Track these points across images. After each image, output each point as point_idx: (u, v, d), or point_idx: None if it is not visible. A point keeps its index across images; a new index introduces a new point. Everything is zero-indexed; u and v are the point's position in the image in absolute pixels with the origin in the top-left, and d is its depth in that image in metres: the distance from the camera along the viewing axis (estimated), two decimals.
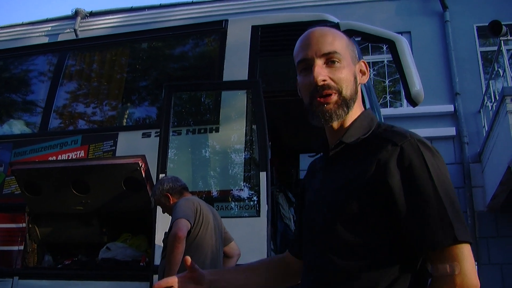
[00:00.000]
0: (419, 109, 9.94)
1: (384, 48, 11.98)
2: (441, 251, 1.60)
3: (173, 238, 4.28)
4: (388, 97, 12.14)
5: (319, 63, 1.80)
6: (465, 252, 1.60)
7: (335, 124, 1.84)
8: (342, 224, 1.74)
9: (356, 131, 1.81)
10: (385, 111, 10.99)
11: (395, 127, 1.80)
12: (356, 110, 1.85)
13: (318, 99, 1.79)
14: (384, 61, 12.32)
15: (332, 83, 1.78)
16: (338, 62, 1.80)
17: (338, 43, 1.83)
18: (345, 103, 1.79)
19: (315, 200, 1.89)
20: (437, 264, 1.61)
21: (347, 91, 1.80)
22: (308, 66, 1.83)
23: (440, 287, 1.59)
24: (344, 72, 1.80)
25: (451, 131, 11.18)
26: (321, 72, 1.78)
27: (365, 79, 1.92)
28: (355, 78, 1.85)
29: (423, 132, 10.78)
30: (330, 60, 1.80)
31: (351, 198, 1.72)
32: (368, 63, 11.71)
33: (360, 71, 1.91)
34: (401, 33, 10.61)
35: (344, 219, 1.74)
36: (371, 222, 1.69)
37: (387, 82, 12.26)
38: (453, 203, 1.63)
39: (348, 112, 1.81)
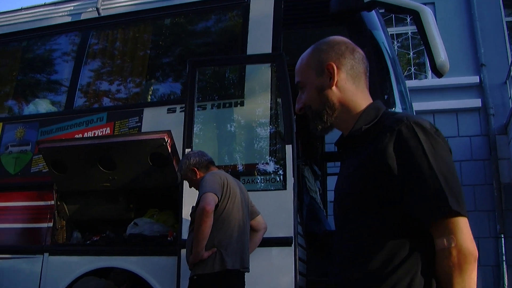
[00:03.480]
0: (444, 81, 9.87)
1: (408, 20, 11.84)
2: (438, 226, 1.74)
3: (200, 212, 4.30)
4: (412, 69, 12.02)
5: (299, 92, 2.16)
6: (460, 224, 1.73)
7: (339, 126, 2.10)
8: (353, 208, 1.94)
9: (361, 123, 2.00)
10: (410, 84, 10.85)
11: (397, 113, 2.00)
12: (358, 105, 2.05)
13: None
14: (408, 32, 12.16)
15: (305, 105, 2.12)
16: (302, 87, 2.13)
17: (300, 71, 2.14)
18: (317, 114, 2.08)
19: (335, 189, 2.12)
20: (436, 239, 1.75)
21: (314, 105, 2.08)
22: None
23: (441, 260, 1.73)
24: (306, 93, 2.11)
25: (476, 102, 11.04)
26: (298, 101, 2.15)
27: (336, 78, 2.05)
28: (321, 89, 2.07)
29: (448, 104, 10.74)
30: (299, 88, 2.15)
31: (359, 183, 1.91)
32: (392, 35, 11.64)
33: (329, 76, 2.06)
34: (424, 4, 10.47)
35: (354, 203, 1.93)
36: (378, 204, 1.85)
37: (411, 54, 12.13)
38: (448, 179, 1.76)
39: (330, 116, 2.06)
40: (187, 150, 5.34)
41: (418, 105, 9.52)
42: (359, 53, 2.10)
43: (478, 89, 11.18)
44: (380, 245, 1.81)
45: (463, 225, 1.73)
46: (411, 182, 1.78)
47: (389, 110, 2.06)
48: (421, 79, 11.85)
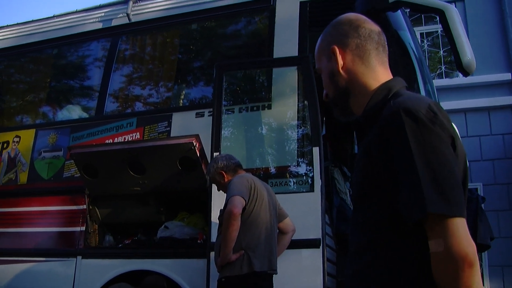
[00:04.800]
0: (475, 79, 9.77)
1: (438, 18, 11.73)
2: (427, 227, 1.55)
3: (228, 215, 4.34)
4: (443, 68, 11.91)
5: None
6: (450, 226, 1.52)
7: (356, 111, 1.96)
8: (356, 201, 1.86)
9: (367, 107, 1.88)
10: (441, 82, 10.81)
11: (402, 95, 1.79)
12: (369, 86, 1.91)
13: None
14: (438, 31, 12.05)
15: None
16: (321, 74, 2.05)
17: (316, 57, 2.07)
18: (333, 101, 2.00)
19: None
20: (428, 240, 1.56)
21: (330, 92, 2.00)
22: None
23: (433, 264, 1.55)
24: (323, 80, 2.02)
25: (508, 100, 10.89)
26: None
27: (341, 60, 1.94)
28: (332, 74, 1.97)
29: (480, 102, 10.63)
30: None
31: (359, 175, 1.81)
32: (422, 33, 11.56)
33: (335, 59, 1.96)
34: (454, 1, 10.37)
35: (357, 196, 1.85)
36: (374, 197, 1.72)
37: (441, 52, 12.03)
38: (438, 174, 1.55)
39: (345, 101, 1.96)
40: (215, 154, 5.39)
41: (449, 104, 9.46)
42: (366, 28, 1.96)
43: (510, 86, 11.04)
44: (377, 240, 1.70)
45: (453, 226, 1.52)
46: (393, 179, 1.63)
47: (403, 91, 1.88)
48: (452, 77, 11.74)
